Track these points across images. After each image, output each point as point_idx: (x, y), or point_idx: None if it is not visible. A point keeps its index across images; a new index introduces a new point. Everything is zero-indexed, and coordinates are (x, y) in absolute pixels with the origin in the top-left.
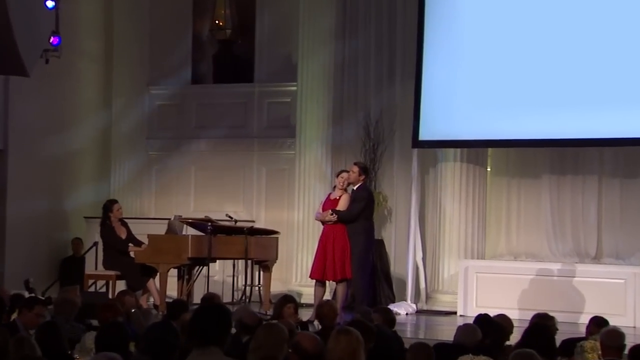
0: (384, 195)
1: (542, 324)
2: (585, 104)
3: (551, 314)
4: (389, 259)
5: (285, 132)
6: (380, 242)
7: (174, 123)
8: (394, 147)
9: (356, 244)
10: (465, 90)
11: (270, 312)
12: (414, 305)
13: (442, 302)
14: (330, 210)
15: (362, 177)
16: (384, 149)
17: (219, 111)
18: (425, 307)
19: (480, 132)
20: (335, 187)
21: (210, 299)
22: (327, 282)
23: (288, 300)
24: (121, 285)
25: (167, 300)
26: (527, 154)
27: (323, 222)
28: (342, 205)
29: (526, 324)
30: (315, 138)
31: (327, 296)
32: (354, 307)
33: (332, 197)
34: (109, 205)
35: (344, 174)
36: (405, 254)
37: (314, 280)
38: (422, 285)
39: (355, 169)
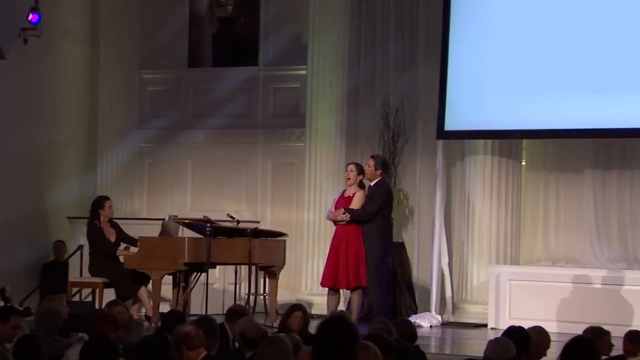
0: (404, 193)
1: (585, 339)
2: (634, 88)
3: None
4: (411, 265)
5: (294, 122)
6: (401, 246)
7: (169, 111)
8: (417, 138)
9: (372, 248)
10: (496, 73)
11: (277, 324)
12: (438, 317)
13: (471, 313)
14: (342, 209)
15: (380, 172)
16: (405, 141)
17: (219, 98)
18: (451, 319)
19: (514, 121)
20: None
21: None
22: (341, 290)
23: (295, 309)
24: (109, 294)
25: (160, 311)
26: (567, 146)
27: (335, 222)
28: (356, 203)
29: (565, 338)
30: (328, 128)
31: (342, 306)
32: (371, 318)
33: (346, 194)
34: (100, 201)
35: (351, 167)
36: (429, 259)
37: (326, 289)
38: (448, 294)
39: (372, 162)
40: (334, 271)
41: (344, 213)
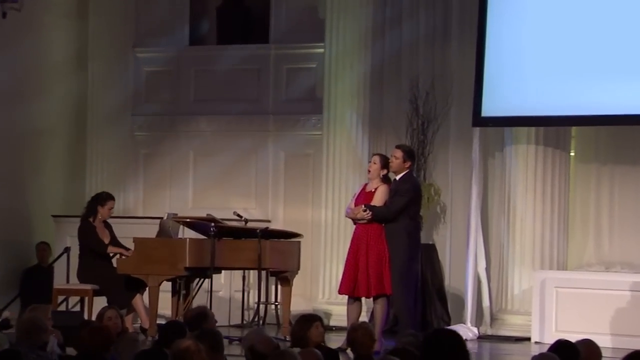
0: (435, 188)
1: None
2: None
3: None
4: (442, 270)
5: (310, 107)
6: (431, 248)
7: (167, 95)
8: (450, 125)
9: (397, 250)
10: (541, 53)
11: (289, 336)
12: (475, 330)
13: (512, 325)
14: (362, 206)
15: (407, 164)
16: (437, 128)
17: (225, 80)
18: (489, 332)
19: (562, 106)
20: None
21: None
22: (362, 298)
23: (314, 319)
24: (100, 303)
25: (158, 322)
26: (623, 134)
27: (355, 221)
28: (378, 199)
29: (621, 354)
30: (348, 114)
31: (364, 317)
32: (397, 331)
33: (367, 188)
34: (104, 198)
35: (375, 158)
36: (464, 263)
37: (346, 297)
38: (486, 303)
39: (398, 153)
40: (353, 277)
41: (365, 210)
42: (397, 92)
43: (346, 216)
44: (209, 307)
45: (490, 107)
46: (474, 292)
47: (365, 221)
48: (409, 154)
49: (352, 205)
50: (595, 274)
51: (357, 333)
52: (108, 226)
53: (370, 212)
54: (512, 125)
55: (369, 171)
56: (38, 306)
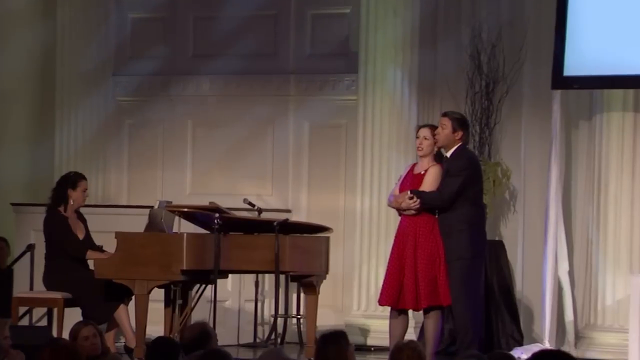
0: (504, 168)
1: None
2: None
3: None
4: (513, 274)
5: (342, 65)
6: (498, 245)
7: (158, 49)
8: (522, 87)
9: (455, 248)
10: None
11: None
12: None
13: (603, 344)
14: (408, 192)
15: (459, 135)
16: (505, 92)
17: (232, 29)
18: (574, 353)
19: None
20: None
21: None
22: (409, 311)
23: (341, 337)
24: (73, 316)
25: (147, 339)
26: None
27: (400, 211)
28: (428, 184)
29: None
30: (391, 74)
31: (411, 334)
32: (455, 352)
33: (415, 170)
34: (73, 180)
35: (424, 132)
36: (540, 265)
37: (388, 309)
38: (569, 317)
39: (446, 122)
40: (397, 283)
41: (411, 197)
42: (455, 45)
43: (389, 205)
44: (212, 321)
45: (575, 64)
46: (553, 303)
47: (413, 212)
48: (460, 122)
49: (397, 192)
50: None
51: (402, 355)
52: (82, 217)
53: (418, 200)
54: (604, 87)
55: (419, 148)
56: None
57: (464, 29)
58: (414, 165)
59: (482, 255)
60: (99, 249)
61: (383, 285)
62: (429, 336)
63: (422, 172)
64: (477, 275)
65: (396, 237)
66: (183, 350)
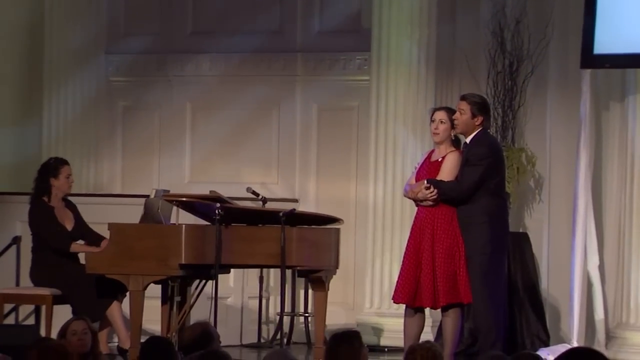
0: (529, 155)
1: None
2: None
3: None
4: (538, 268)
5: (353, 42)
6: (522, 238)
7: (155, 26)
8: (548, 66)
9: (476, 241)
10: None
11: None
12: None
13: (636, 344)
14: (424, 181)
15: (479, 120)
16: (530, 71)
17: (234, 4)
18: (605, 353)
19: None
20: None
21: None
22: (425, 309)
23: (354, 338)
24: (63, 314)
25: (143, 339)
26: None
27: (417, 202)
28: (446, 172)
29: None
30: (407, 52)
31: (428, 334)
32: (478, 353)
33: (433, 157)
34: (54, 167)
35: (441, 114)
36: (568, 259)
37: (403, 307)
38: (599, 315)
39: (464, 105)
40: (414, 280)
41: (428, 187)
42: (476, 21)
43: (405, 195)
44: (212, 320)
45: (607, 41)
46: (582, 300)
47: (430, 203)
48: (480, 107)
49: (413, 181)
50: None
51: (415, 355)
52: (70, 205)
53: (435, 190)
54: (638, 66)
55: (437, 133)
56: None
57: (486, 2)
58: (432, 152)
59: (504, 250)
60: (97, 237)
61: (398, 281)
62: (448, 336)
63: (440, 159)
64: (498, 271)
65: (412, 229)
66: (182, 351)
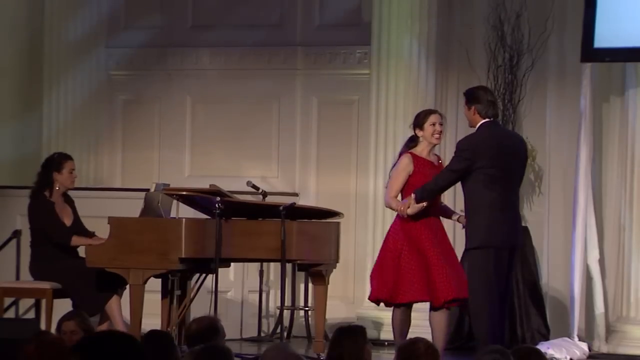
0: (529, 148)
1: None
2: None
3: None
4: (538, 262)
5: (353, 36)
6: (522, 232)
7: (154, 18)
8: (548, 60)
9: (466, 236)
10: None
11: (324, 355)
12: (584, 346)
13: (636, 338)
14: (412, 196)
15: (474, 111)
16: (531, 65)
17: None
18: (604, 349)
19: None
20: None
21: None
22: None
23: (356, 332)
24: (64, 307)
25: (142, 333)
26: None
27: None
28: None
29: None
30: (407, 46)
31: (427, 333)
32: (475, 347)
33: (431, 159)
34: (58, 161)
35: (439, 119)
36: (568, 254)
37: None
38: (599, 309)
39: (464, 100)
40: (424, 274)
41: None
42: (476, 14)
43: (389, 207)
44: (213, 313)
45: (607, 35)
46: (582, 294)
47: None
48: (468, 96)
49: (394, 192)
50: None
51: (419, 345)
52: (69, 201)
53: (415, 196)
54: (639, 60)
55: (438, 138)
56: None
57: None
58: (418, 156)
59: (496, 244)
60: (90, 235)
61: (405, 280)
62: (440, 331)
63: (440, 162)
64: (487, 266)
65: (426, 232)
66: (187, 343)
